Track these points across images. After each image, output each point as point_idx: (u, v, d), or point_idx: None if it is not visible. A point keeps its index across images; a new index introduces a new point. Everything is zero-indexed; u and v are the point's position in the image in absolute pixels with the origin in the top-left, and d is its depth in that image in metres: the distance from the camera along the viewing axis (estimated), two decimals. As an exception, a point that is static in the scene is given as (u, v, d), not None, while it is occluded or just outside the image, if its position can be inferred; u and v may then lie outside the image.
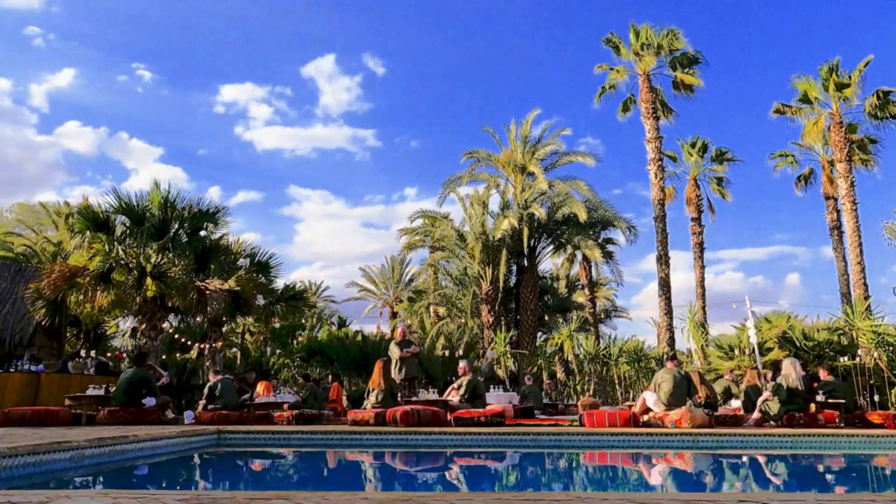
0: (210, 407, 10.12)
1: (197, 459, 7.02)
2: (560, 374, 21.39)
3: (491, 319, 20.39)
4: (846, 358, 16.05)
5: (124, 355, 17.18)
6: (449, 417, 9.62)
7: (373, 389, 10.11)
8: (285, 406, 10.75)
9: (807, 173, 24.69)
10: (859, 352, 16.37)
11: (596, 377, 19.26)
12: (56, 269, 13.53)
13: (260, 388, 12.05)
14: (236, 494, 2.78)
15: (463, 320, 22.65)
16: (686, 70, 23.86)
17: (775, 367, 12.61)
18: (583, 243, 20.92)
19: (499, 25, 59.33)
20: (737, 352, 16.98)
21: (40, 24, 52.36)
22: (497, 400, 12.27)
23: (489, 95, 58.56)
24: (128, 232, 14.24)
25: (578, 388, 19.00)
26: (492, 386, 13.81)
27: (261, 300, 17.56)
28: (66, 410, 8.83)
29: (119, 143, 57.04)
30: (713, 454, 7.89)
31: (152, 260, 13.59)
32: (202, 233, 15.05)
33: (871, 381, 15.58)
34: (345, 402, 14.53)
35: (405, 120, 61.63)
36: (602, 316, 30.99)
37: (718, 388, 12.95)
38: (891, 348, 15.53)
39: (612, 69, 24.81)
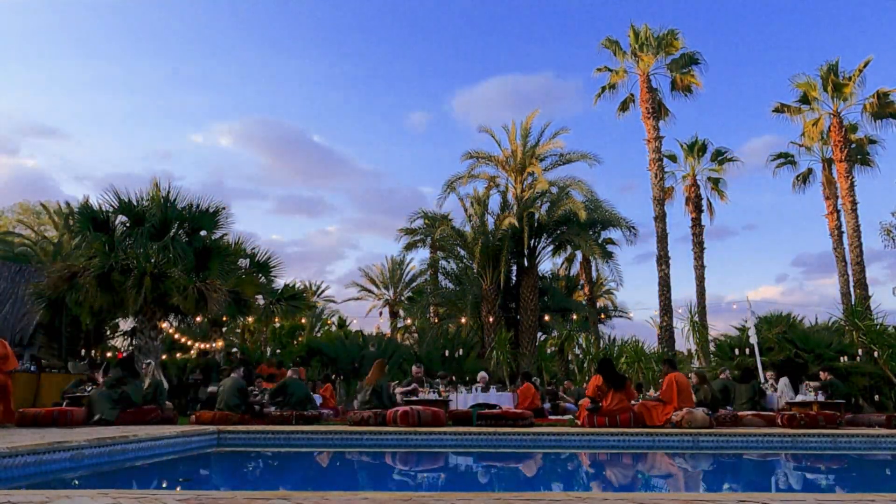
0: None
1: (197, 459, 7.02)
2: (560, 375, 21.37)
3: (491, 319, 20.37)
4: (846, 358, 16.05)
5: (124, 355, 17.17)
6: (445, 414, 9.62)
7: (365, 387, 10.20)
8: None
9: (806, 173, 24.68)
10: (859, 351, 16.36)
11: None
12: (56, 269, 13.53)
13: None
14: (236, 494, 2.78)
15: (463, 320, 22.62)
16: (685, 70, 23.85)
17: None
18: (583, 243, 20.90)
19: (498, 25, 59.36)
20: (737, 352, 16.96)
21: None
22: (498, 400, 12.29)
23: (489, 95, 58.54)
24: (128, 232, 14.23)
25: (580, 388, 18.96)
26: (492, 386, 13.83)
27: (261, 300, 17.56)
28: (80, 410, 8.81)
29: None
30: (713, 454, 7.89)
31: (152, 260, 13.58)
32: (202, 232, 15.04)
33: (871, 381, 15.58)
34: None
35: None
36: (602, 316, 30.95)
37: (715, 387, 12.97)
38: (890, 349, 15.51)
39: (611, 70, 24.79)
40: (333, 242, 62.34)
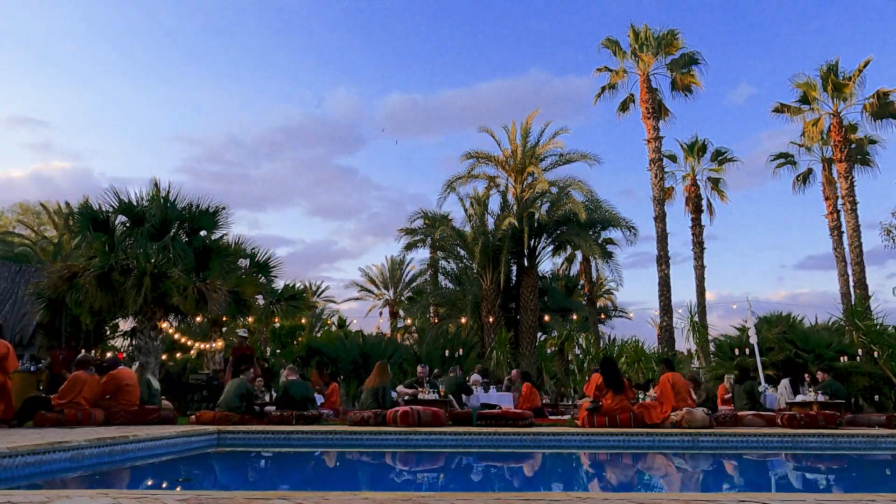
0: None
1: (197, 459, 7.02)
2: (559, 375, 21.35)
3: (491, 319, 20.37)
4: (846, 358, 16.05)
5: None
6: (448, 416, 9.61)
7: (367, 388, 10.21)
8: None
9: (806, 173, 24.65)
10: (859, 351, 16.36)
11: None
12: (56, 269, 13.53)
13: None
14: (236, 494, 2.78)
15: (463, 320, 22.61)
16: (685, 70, 23.84)
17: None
18: (583, 243, 20.89)
19: (498, 24, 59.35)
20: (737, 352, 16.96)
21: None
22: (499, 400, 12.30)
23: (489, 95, 58.52)
24: (128, 232, 14.23)
25: (580, 388, 18.96)
26: (491, 386, 13.83)
27: (261, 300, 17.54)
28: (100, 411, 8.80)
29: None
30: (713, 454, 7.89)
31: (152, 260, 13.57)
32: (202, 232, 15.03)
33: (871, 381, 15.57)
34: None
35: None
36: (602, 316, 30.94)
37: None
38: (890, 349, 15.51)
39: (611, 70, 24.79)
40: (347, 245, 62.66)
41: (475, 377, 13.51)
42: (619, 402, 9.45)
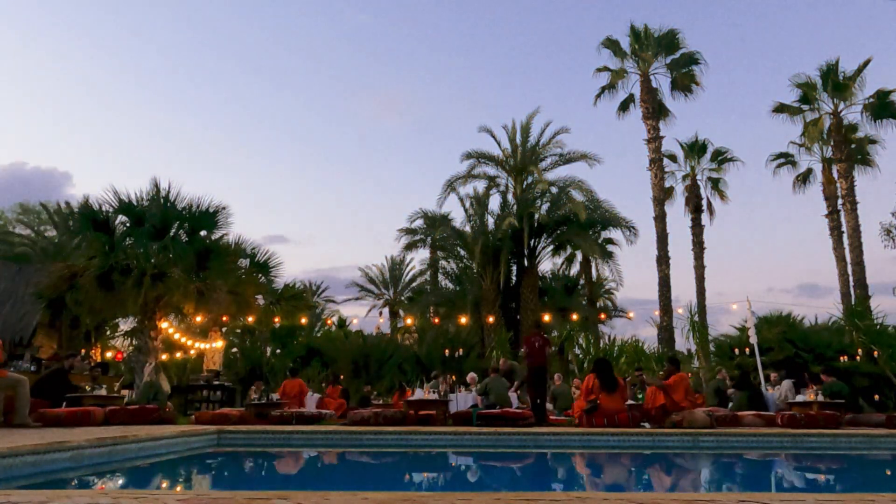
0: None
1: (197, 459, 7.02)
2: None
3: (491, 319, 20.38)
4: (846, 358, 16.06)
5: (124, 355, 17.17)
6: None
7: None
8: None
9: (806, 173, 24.64)
10: (859, 351, 16.37)
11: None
12: (56, 269, 13.54)
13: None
14: (236, 494, 2.78)
15: (463, 320, 22.63)
16: (685, 70, 23.84)
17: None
18: (583, 243, 20.91)
19: (499, 25, 59.38)
20: (737, 351, 16.97)
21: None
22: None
23: (489, 96, 58.57)
24: (128, 232, 14.24)
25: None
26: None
27: (261, 300, 17.55)
28: (100, 410, 8.80)
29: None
30: (713, 454, 7.89)
31: (152, 260, 13.58)
32: (202, 232, 15.04)
33: (871, 381, 15.57)
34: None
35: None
36: (602, 316, 30.90)
37: (710, 388, 13.04)
38: (890, 349, 15.52)
39: (611, 70, 24.80)
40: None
41: (471, 375, 13.51)
42: (614, 403, 9.46)
